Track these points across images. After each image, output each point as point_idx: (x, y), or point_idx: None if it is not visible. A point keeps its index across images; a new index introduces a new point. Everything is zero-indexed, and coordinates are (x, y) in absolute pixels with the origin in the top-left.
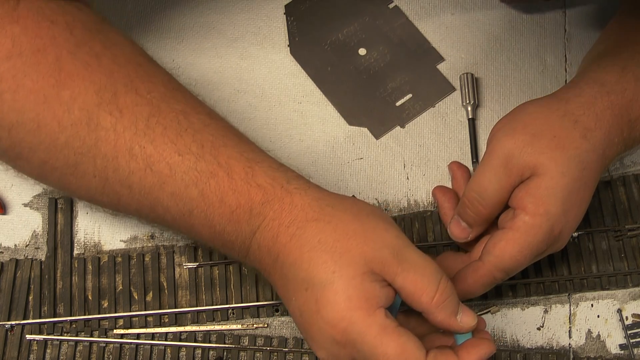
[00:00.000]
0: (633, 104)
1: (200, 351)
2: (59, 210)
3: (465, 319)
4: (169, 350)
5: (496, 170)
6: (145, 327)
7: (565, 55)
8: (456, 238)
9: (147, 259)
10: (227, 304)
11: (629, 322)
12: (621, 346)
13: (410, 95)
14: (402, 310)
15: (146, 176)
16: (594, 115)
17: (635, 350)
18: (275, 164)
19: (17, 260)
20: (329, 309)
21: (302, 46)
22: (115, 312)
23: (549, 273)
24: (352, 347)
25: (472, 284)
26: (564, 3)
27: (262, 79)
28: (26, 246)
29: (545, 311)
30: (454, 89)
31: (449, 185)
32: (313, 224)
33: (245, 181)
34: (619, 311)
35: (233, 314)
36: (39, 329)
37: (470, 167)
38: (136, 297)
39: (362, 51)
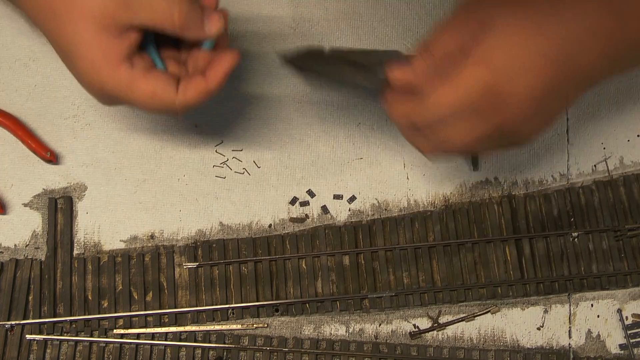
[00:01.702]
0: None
1: (200, 351)
2: (59, 210)
3: (211, 24)
4: (168, 350)
5: (457, 22)
6: (145, 327)
7: None
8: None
9: (147, 259)
10: (227, 304)
11: (629, 322)
12: (621, 346)
13: None
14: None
15: None
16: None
17: (635, 350)
18: None
19: (17, 260)
20: (82, 73)
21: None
22: (115, 312)
23: (549, 273)
24: (115, 99)
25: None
26: None
27: (262, 78)
28: (26, 246)
29: (545, 311)
30: None
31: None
32: None
33: None
34: (619, 311)
35: (233, 314)
36: (39, 329)
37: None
38: (136, 297)
39: None
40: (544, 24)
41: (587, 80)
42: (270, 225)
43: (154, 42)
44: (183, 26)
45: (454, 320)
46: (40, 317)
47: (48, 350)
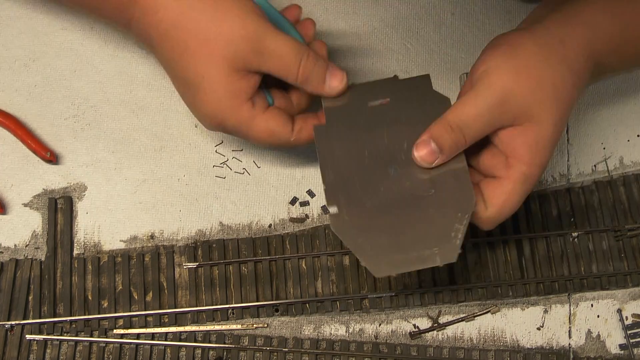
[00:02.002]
0: (605, 41)
1: (200, 351)
2: (59, 210)
3: (333, 83)
4: (168, 350)
5: (491, 106)
6: (145, 327)
7: None
8: (421, 160)
9: (147, 259)
10: (227, 304)
11: (629, 322)
12: (621, 346)
13: None
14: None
15: None
16: (583, 61)
17: (635, 350)
18: None
19: (17, 260)
20: (204, 107)
21: None
22: (115, 312)
23: (549, 273)
24: (230, 133)
25: None
26: None
27: None
28: (26, 246)
29: (545, 311)
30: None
31: None
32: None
33: None
34: (619, 311)
35: (233, 314)
36: (39, 329)
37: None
38: (136, 297)
39: None
40: (572, 110)
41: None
42: (270, 225)
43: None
44: (305, 81)
45: (454, 320)
46: (40, 317)
47: (48, 350)
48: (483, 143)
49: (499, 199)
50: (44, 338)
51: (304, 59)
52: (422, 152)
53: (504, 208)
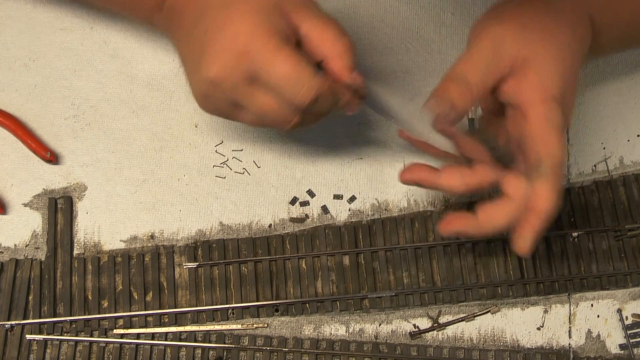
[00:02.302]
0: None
1: (200, 351)
2: (59, 210)
3: (359, 78)
4: (168, 350)
5: (485, 54)
6: (145, 327)
7: None
8: (436, 122)
9: (147, 259)
10: (227, 304)
11: (629, 322)
12: (621, 346)
13: None
14: None
15: None
16: (574, 11)
17: (635, 350)
18: None
19: (17, 260)
20: (237, 24)
21: None
22: (115, 312)
23: (549, 273)
24: (249, 58)
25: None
26: None
27: None
28: (26, 246)
29: (545, 311)
30: None
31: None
32: None
33: None
34: (619, 311)
35: (233, 314)
36: (39, 329)
37: None
38: (136, 297)
39: None
40: (574, 50)
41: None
42: (270, 225)
43: None
44: (340, 53)
45: (454, 320)
46: (40, 317)
47: (48, 350)
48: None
49: (535, 146)
50: (44, 338)
51: (347, 36)
52: (434, 109)
53: (550, 152)
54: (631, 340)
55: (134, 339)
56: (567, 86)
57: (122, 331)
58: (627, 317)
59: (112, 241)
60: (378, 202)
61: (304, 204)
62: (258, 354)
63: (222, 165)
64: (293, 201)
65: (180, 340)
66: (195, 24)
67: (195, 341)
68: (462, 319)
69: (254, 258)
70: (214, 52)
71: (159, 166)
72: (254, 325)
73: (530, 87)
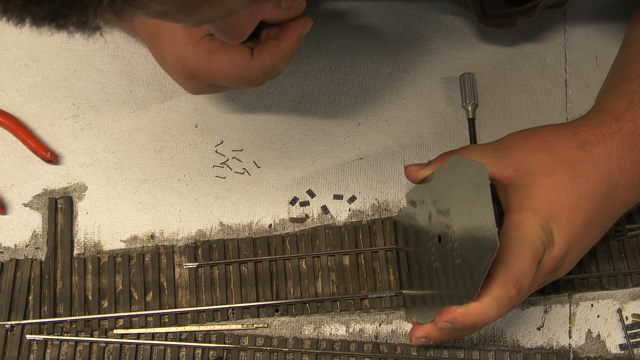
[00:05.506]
0: None
1: (200, 351)
2: (59, 210)
3: (289, 2)
4: (169, 350)
5: (485, 148)
6: (145, 327)
7: (565, 55)
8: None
9: (147, 259)
10: (227, 304)
11: (629, 322)
12: (621, 346)
13: None
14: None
15: None
16: (598, 134)
17: (635, 350)
18: None
19: (17, 260)
20: (167, 55)
21: None
22: (115, 312)
23: None
24: (197, 76)
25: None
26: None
27: None
28: (26, 246)
29: (545, 311)
30: None
31: None
32: None
33: None
34: (619, 311)
35: (233, 314)
36: (39, 329)
37: None
38: (136, 297)
39: None
40: (578, 170)
41: (620, 213)
42: (270, 225)
43: None
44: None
45: None
46: (40, 317)
47: (48, 350)
48: None
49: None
50: (44, 338)
51: None
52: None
53: (514, 268)
54: (631, 340)
55: (134, 339)
56: (562, 200)
57: (122, 331)
58: (627, 317)
59: (112, 241)
60: (378, 202)
61: (304, 204)
62: (258, 354)
63: (222, 165)
64: (293, 201)
65: (180, 340)
66: (149, 47)
67: (196, 341)
68: None
69: (254, 258)
70: (178, 80)
71: (159, 166)
72: (254, 326)
73: (512, 195)
